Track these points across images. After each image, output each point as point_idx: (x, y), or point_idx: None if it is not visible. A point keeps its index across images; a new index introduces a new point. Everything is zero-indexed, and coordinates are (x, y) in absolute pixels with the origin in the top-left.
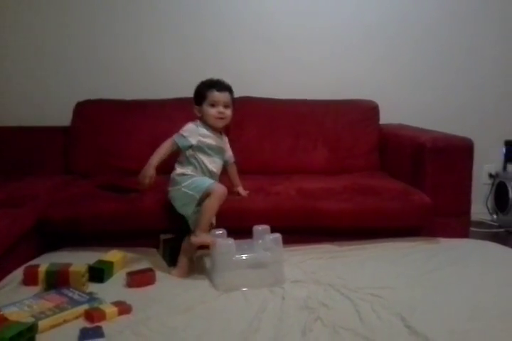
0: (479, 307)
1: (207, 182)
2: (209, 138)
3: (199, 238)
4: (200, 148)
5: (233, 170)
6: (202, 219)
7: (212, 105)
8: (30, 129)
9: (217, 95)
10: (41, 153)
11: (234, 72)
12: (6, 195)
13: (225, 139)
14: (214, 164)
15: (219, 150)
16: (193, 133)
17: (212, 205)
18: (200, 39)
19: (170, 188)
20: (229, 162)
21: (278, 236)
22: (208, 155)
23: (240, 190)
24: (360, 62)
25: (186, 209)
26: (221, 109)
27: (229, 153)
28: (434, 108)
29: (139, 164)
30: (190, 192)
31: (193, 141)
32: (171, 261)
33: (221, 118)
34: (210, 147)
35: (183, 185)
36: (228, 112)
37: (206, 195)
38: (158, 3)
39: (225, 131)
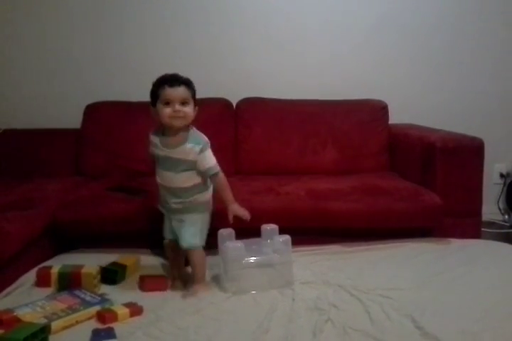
0: (490, 308)
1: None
2: (156, 148)
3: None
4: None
5: (216, 185)
6: (199, 274)
7: (167, 103)
8: (41, 132)
9: (169, 92)
10: (52, 155)
11: (242, 73)
12: (17, 197)
13: (193, 148)
14: (160, 177)
15: (169, 163)
16: (151, 142)
17: (200, 258)
18: (207, 40)
19: None
20: (206, 175)
21: (287, 238)
22: (158, 166)
23: (234, 208)
24: (370, 62)
25: None
26: (177, 106)
27: (202, 165)
28: (444, 107)
29: (148, 165)
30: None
31: (151, 150)
32: None
33: (178, 116)
34: (158, 158)
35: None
36: (187, 109)
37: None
38: (166, 6)
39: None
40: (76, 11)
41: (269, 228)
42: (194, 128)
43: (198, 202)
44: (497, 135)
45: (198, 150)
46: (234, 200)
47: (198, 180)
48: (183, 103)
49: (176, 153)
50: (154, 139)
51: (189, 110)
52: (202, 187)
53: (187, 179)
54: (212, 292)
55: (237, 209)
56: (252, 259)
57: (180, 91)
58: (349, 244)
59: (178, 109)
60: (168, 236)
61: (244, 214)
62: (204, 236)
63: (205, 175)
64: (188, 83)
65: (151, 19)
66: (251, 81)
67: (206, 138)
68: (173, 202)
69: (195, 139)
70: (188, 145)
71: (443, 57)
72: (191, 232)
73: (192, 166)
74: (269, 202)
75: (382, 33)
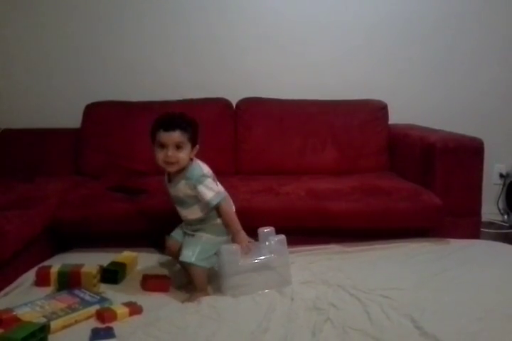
0: (489, 308)
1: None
2: (166, 187)
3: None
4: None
5: (221, 215)
6: (199, 285)
7: (162, 146)
8: (41, 131)
9: (164, 136)
10: (52, 155)
11: (242, 73)
12: (17, 196)
13: (186, 184)
14: (180, 214)
15: (177, 200)
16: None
17: (197, 275)
18: (207, 40)
19: None
20: (209, 207)
21: (282, 237)
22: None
23: (239, 239)
24: (370, 62)
25: None
26: (169, 152)
27: (202, 199)
28: (443, 107)
29: (147, 165)
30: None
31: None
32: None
33: (170, 162)
34: (169, 194)
35: None
36: (182, 155)
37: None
38: (165, 6)
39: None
40: (76, 11)
41: (266, 231)
42: (194, 161)
43: (212, 224)
44: (497, 135)
45: (192, 185)
46: (238, 231)
47: (207, 210)
48: (178, 147)
49: (177, 191)
50: (165, 179)
51: (183, 155)
52: (215, 215)
53: (196, 212)
54: (212, 293)
55: (241, 241)
56: (248, 262)
57: (175, 135)
58: (349, 244)
59: (171, 155)
60: (178, 237)
61: (247, 248)
62: (205, 257)
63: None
64: (184, 126)
65: (151, 19)
66: (251, 81)
67: (204, 170)
68: (189, 229)
69: (189, 174)
70: (183, 182)
71: (443, 58)
72: (191, 249)
73: (196, 199)
74: (269, 202)
75: (382, 34)
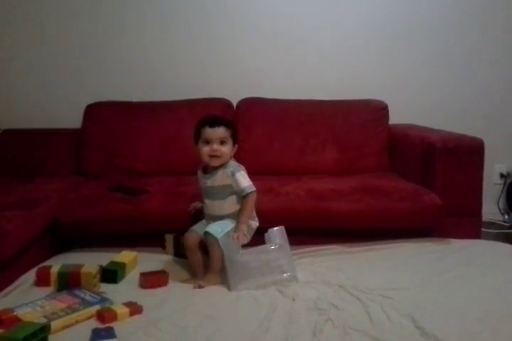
0: (490, 309)
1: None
2: (201, 180)
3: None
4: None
5: (242, 203)
6: (215, 263)
7: (207, 142)
8: (42, 132)
9: (209, 131)
10: (52, 155)
11: (242, 73)
12: (17, 196)
13: (225, 172)
14: (205, 206)
15: (211, 191)
16: (198, 176)
17: (218, 253)
18: (208, 41)
19: None
20: (242, 195)
21: (281, 228)
22: (204, 197)
23: (241, 229)
24: (370, 62)
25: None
26: (215, 146)
27: (237, 186)
28: (444, 107)
29: (148, 165)
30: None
31: (199, 183)
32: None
33: (215, 156)
34: (203, 188)
35: None
36: (225, 149)
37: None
38: (166, 5)
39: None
40: (76, 10)
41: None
42: (232, 159)
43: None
44: (497, 135)
45: (230, 173)
46: (246, 223)
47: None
48: (222, 142)
49: (214, 181)
50: (199, 173)
51: (226, 150)
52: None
53: (233, 203)
54: (213, 291)
55: (242, 231)
56: (249, 253)
57: (219, 131)
58: (349, 244)
59: (216, 149)
60: (199, 231)
61: (241, 240)
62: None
63: (240, 195)
64: (227, 124)
65: (151, 19)
66: (251, 81)
67: (240, 165)
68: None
69: (228, 165)
70: (220, 171)
71: (443, 58)
72: (221, 227)
73: (232, 190)
74: (269, 203)
75: (382, 34)
